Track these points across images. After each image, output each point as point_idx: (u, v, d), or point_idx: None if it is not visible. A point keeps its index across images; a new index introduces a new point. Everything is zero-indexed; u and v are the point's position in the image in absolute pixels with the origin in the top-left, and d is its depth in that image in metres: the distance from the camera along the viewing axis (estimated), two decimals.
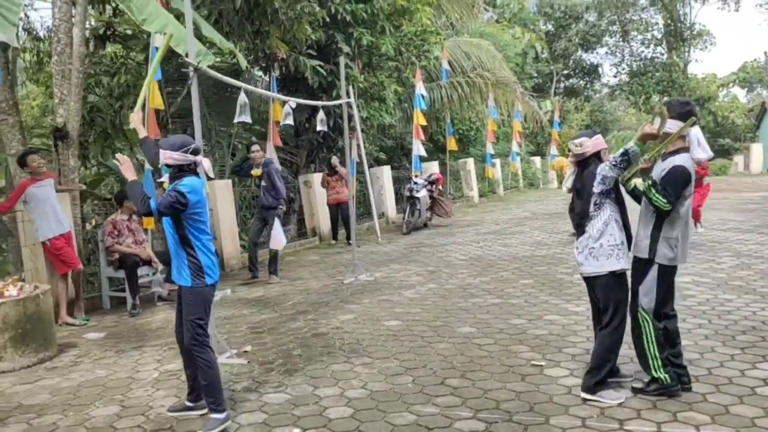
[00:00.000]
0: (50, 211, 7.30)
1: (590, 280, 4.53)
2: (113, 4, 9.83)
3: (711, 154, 5.04)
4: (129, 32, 10.75)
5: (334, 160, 13.06)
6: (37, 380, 5.50)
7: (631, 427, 3.93)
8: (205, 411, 4.37)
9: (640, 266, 4.43)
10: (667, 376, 4.31)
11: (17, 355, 5.83)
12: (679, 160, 4.27)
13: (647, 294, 4.36)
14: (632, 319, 4.48)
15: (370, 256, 11.32)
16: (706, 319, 6.14)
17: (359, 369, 5.28)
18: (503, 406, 4.35)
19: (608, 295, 4.41)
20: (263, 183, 9.55)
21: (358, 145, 12.67)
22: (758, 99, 49.83)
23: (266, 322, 7.05)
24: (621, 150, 4.23)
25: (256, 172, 9.64)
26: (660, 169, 4.33)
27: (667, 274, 4.37)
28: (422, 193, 14.64)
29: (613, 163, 4.23)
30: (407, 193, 14.55)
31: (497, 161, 24.34)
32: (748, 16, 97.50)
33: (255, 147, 9.82)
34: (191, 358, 4.31)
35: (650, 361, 4.35)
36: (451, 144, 19.69)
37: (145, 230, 8.56)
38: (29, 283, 6.42)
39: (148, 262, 8.24)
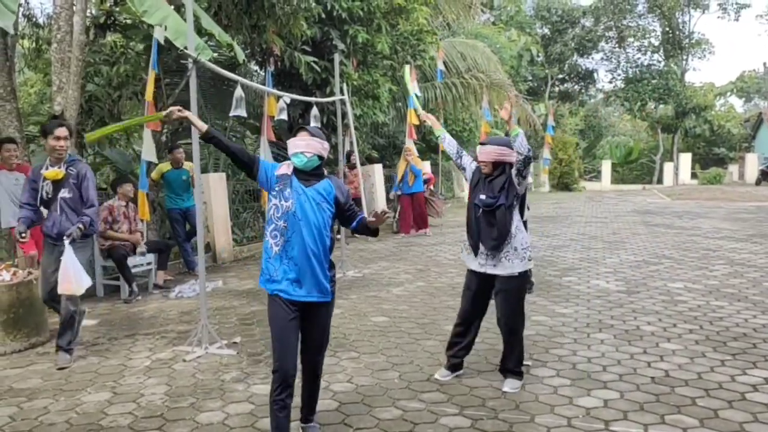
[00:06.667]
0: (12, 202, 7.21)
1: None
2: None
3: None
4: (129, 22, 10.74)
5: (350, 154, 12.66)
6: (28, 365, 5.54)
7: (618, 428, 3.97)
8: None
9: None
10: None
11: (9, 339, 5.87)
12: None
13: None
14: None
15: (358, 253, 11.38)
16: (698, 325, 6.24)
17: (345, 363, 5.34)
18: (489, 403, 4.41)
19: None
20: (65, 194, 5.72)
21: (351, 143, 12.70)
22: (755, 109, 50.32)
23: (255, 315, 7.10)
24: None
25: (53, 173, 5.71)
26: None
27: None
28: None
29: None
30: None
31: None
32: (747, 26, 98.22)
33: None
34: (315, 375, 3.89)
35: None
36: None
37: (141, 220, 8.57)
38: (22, 269, 6.46)
39: (134, 249, 8.29)
